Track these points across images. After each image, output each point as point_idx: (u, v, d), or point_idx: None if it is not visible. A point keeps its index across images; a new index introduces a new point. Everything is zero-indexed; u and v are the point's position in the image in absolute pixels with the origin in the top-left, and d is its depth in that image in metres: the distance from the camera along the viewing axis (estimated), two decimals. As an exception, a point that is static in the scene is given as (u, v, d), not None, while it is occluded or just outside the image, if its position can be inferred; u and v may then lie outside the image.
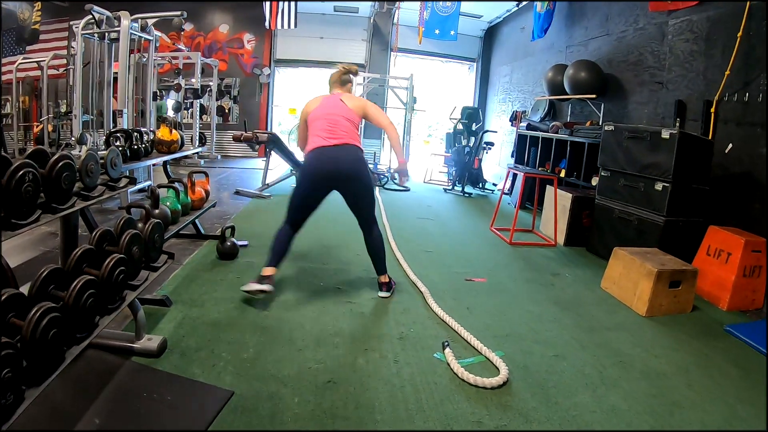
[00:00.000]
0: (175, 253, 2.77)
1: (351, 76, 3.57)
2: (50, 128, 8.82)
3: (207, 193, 4.16)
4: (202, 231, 4.43)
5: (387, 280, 3.43)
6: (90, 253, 2.09)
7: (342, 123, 3.24)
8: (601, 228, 5.19)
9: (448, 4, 9.74)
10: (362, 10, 11.72)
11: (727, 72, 4.81)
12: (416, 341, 2.77)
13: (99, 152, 2.45)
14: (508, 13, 11.07)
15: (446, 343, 2.68)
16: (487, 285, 3.92)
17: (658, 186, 4.54)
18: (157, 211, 3.15)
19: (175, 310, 2.92)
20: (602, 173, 5.31)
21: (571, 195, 5.56)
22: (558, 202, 5.58)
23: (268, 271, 3.13)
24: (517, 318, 3.30)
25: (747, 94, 4.67)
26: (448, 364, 2.52)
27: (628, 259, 3.90)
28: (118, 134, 3.62)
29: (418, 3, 10.10)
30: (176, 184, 3.65)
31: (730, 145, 4.83)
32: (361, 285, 3.59)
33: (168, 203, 3.43)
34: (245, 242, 4.28)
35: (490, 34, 12.64)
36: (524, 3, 10.01)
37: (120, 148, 3.36)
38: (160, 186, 3.55)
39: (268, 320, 2.91)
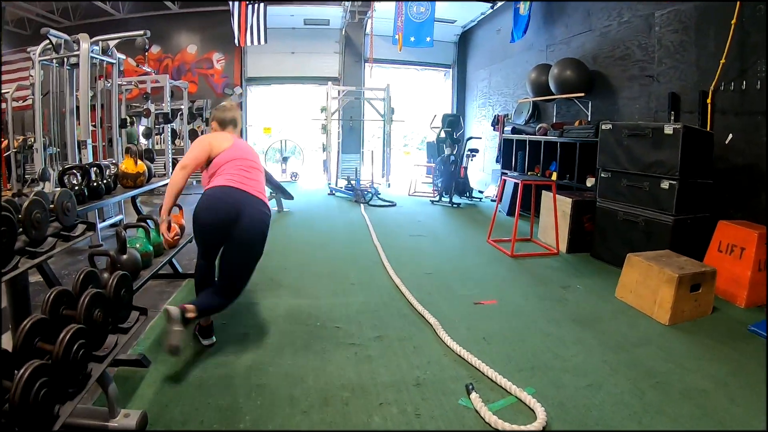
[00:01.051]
0: (147, 309, 2.36)
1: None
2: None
3: (182, 228, 3.74)
4: (180, 270, 4.00)
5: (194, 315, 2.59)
6: (43, 324, 1.71)
7: (259, 176, 2.96)
8: (604, 232, 4.94)
9: (422, 9, 9.48)
10: (333, 22, 11.43)
11: (722, 60, 4.68)
12: (436, 386, 2.41)
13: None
14: (483, 16, 10.90)
15: (471, 387, 2.35)
16: (498, 307, 3.60)
17: (665, 184, 4.33)
18: (124, 257, 2.76)
19: (154, 370, 2.51)
20: (602, 174, 5.08)
21: (570, 200, 5.31)
22: (557, 208, 5.31)
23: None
24: (538, 343, 2.99)
25: (744, 82, 4.55)
26: (477, 411, 2.19)
27: (644, 266, 3.66)
28: (74, 171, 3.21)
29: (392, 11, 9.82)
30: (147, 222, 3.24)
31: (731, 136, 4.68)
32: (362, 321, 3.22)
33: (138, 245, 3.02)
34: None
35: (465, 39, 12.48)
36: (500, 4, 9.84)
37: (76, 188, 2.97)
38: (128, 226, 3.17)
39: (263, 375, 2.52)
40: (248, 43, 9.86)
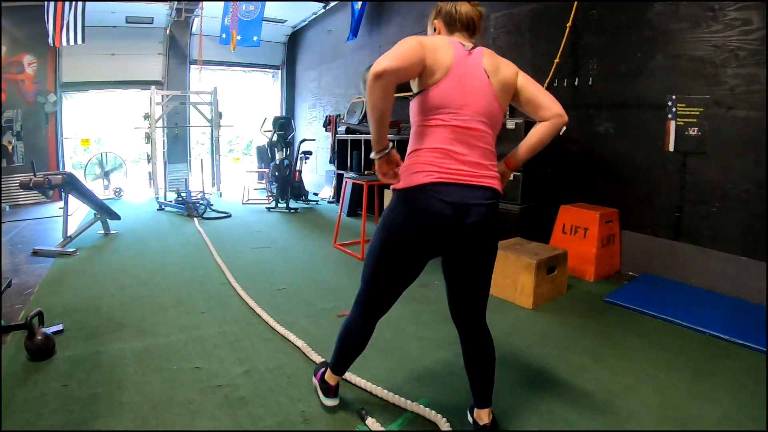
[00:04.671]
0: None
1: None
2: None
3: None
4: (1, 322, 3.15)
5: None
6: None
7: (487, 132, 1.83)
8: (454, 225, 5.08)
9: (252, 8, 9.01)
10: (158, 20, 10.36)
11: (557, 60, 5.12)
12: (326, 419, 2.13)
13: None
14: (314, 16, 10.77)
15: (364, 412, 2.12)
16: (364, 317, 3.39)
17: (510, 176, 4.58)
18: None
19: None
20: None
21: (414, 196, 5.35)
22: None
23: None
24: (416, 350, 2.88)
25: (577, 79, 5.05)
26: (378, 438, 1.97)
27: (500, 255, 3.76)
28: None
29: (219, 9, 9.21)
30: None
31: (565, 128, 5.06)
32: (223, 355, 2.78)
33: None
34: (59, 326, 3.05)
35: (295, 39, 12.27)
36: (332, 4, 9.77)
37: None
38: None
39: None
40: (63, 43, 8.37)
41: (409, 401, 2.21)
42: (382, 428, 2.04)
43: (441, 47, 1.74)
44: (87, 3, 8.40)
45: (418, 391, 2.36)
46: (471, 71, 1.76)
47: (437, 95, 1.72)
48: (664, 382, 2.56)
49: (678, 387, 2.52)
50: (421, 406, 2.17)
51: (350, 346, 2.06)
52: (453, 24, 1.89)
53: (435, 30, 1.95)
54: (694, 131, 4.14)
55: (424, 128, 1.78)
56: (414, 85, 1.78)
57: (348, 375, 2.45)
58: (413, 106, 1.81)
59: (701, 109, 4.07)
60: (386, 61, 1.55)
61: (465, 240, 1.75)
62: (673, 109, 4.25)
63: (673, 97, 4.24)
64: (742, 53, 3.82)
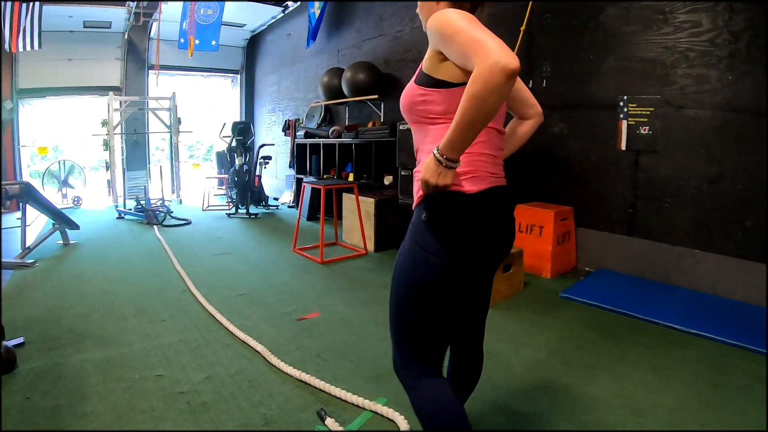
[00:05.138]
0: None
1: None
2: None
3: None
4: None
5: None
6: None
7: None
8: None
9: (210, 12, 8.93)
10: (116, 25, 10.13)
11: None
12: (286, 421, 2.19)
13: None
14: (273, 20, 10.73)
15: (323, 413, 2.19)
16: (323, 319, 3.48)
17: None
18: None
19: None
20: (402, 173, 5.34)
21: (373, 199, 5.49)
22: (361, 209, 5.46)
23: None
24: (375, 350, 2.95)
25: (531, 81, 5.17)
26: (337, 437, 2.04)
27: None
28: None
29: (178, 13, 9.08)
30: None
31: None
32: (185, 362, 2.80)
33: None
34: (20, 339, 3.02)
35: (254, 44, 12.18)
36: (291, 8, 9.77)
37: None
38: None
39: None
40: (20, 48, 8.10)
41: (367, 401, 2.29)
42: (341, 428, 2.10)
43: None
44: (44, 7, 8.19)
45: (377, 391, 2.43)
46: None
47: None
48: (620, 373, 2.68)
49: (633, 377, 2.64)
50: (380, 405, 2.25)
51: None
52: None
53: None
54: (645, 130, 4.30)
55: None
56: (450, 71, 1.38)
57: (307, 377, 2.52)
58: (447, 98, 1.40)
59: (652, 109, 4.24)
60: (511, 56, 1.17)
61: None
62: (625, 109, 4.41)
63: (625, 97, 4.40)
64: (692, 54, 3.98)
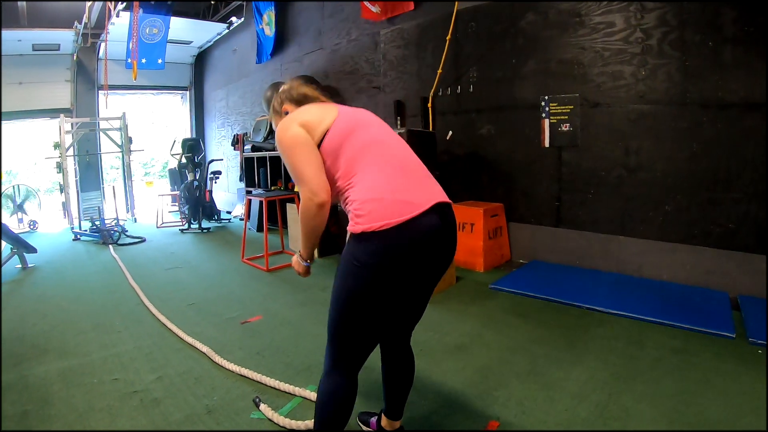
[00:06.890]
0: None
1: None
2: None
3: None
4: None
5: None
6: None
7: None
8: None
9: (155, 30, 9.10)
10: (64, 47, 10.20)
11: (440, 70, 5.64)
12: (226, 409, 2.56)
13: None
14: (219, 36, 10.96)
15: (258, 400, 2.57)
16: (265, 322, 3.85)
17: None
18: None
19: None
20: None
21: (314, 208, 5.76)
22: (302, 217, 5.75)
23: None
24: (310, 346, 3.32)
25: (459, 87, 5.54)
26: (270, 420, 2.42)
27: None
28: None
29: (125, 34, 9.22)
30: None
31: (451, 132, 5.64)
32: (138, 366, 3.13)
33: None
34: None
35: (201, 60, 12.38)
36: (236, 24, 10.01)
37: None
38: None
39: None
40: None
41: (298, 388, 2.67)
42: (274, 412, 2.45)
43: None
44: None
45: (308, 380, 2.80)
46: None
47: None
48: (537, 353, 3.01)
49: (549, 356, 2.96)
50: (308, 391, 2.63)
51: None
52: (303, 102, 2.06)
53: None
54: (566, 127, 4.66)
55: None
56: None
57: (246, 372, 2.89)
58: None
59: (571, 107, 4.60)
60: (321, 189, 1.69)
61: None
62: (547, 109, 4.78)
63: (546, 97, 4.77)
64: (606, 53, 4.33)
